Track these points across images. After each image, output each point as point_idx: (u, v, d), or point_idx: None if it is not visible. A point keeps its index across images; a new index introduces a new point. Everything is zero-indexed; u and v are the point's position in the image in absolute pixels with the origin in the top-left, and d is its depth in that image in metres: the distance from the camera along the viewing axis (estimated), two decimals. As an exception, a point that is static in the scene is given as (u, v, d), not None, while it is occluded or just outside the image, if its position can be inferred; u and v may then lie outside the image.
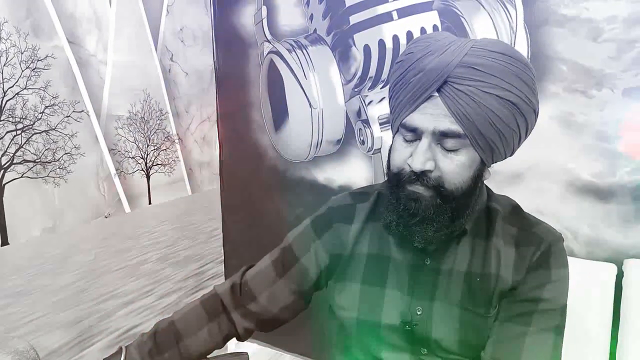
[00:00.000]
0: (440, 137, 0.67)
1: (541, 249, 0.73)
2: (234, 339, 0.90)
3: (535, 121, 0.73)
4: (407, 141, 0.70)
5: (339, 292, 0.84)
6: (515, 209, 0.80)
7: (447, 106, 0.66)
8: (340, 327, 0.86)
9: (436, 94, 0.66)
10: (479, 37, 1.40)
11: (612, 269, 1.19)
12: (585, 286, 1.17)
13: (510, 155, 0.76)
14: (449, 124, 0.66)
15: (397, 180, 0.72)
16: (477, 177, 0.72)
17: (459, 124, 0.66)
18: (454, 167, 0.68)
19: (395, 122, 0.73)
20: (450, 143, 0.67)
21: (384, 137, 1.67)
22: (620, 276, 1.19)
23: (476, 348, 0.74)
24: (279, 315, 0.87)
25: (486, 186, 0.82)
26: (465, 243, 0.76)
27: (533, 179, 1.37)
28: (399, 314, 0.77)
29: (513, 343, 0.70)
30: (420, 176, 0.68)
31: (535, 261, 0.72)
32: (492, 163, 0.74)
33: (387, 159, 0.77)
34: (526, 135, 0.73)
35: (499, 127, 0.67)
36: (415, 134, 0.68)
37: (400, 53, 0.75)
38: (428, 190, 0.69)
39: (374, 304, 0.79)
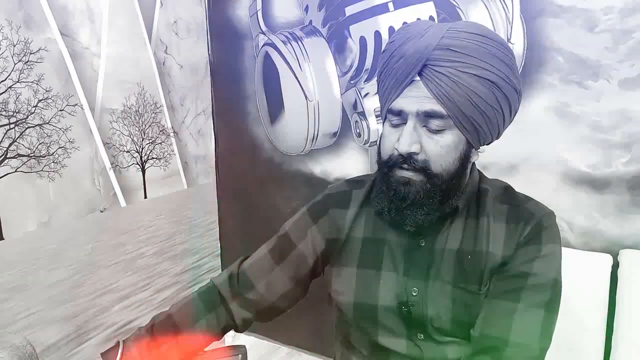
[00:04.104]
0: (425, 118, 0.69)
1: (531, 224, 0.74)
2: (232, 331, 0.90)
3: (520, 100, 0.74)
4: (394, 126, 0.73)
5: (335, 277, 0.84)
6: (507, 189, 0.81)
7: (429, 88, 0.68)
8: (339, 317, 0.86)
9: (418, 77, 0.69)
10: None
11: (608, 259, 1.20)
12: (581, 277, 1.18)
13: (498, 137, 0.77)
14: (431, 105, 0.68)
15: (386, 166, 0.73)
16: (465, 159, 0.73)
17: (442, 105, 0.68)
18: (438, 149, 0.70)
19: (383, 110, 0.75)
20: (434, 123, 0.69)
21: (380, 129, 1.66)
22: (615, 267, 1.19)
23: (471, 328, 0.74)
24: (277, 304, 0.87)
25: (478, 170, 0.82)
26: (457, 223, 0.77)
27: (528, 170, 1.37)
28: (395, 296, 0.77)
29: (502, 319, 0.70)
30: (407, 159, 0.70)
31: (525, 236, 0.73)
32: (480, 145, 0.75)
33: (377, 148, 0.78)
34: (511, 116, 0.75)
35: (481, 107, 0.69)
36: (401, 117, 0.71)
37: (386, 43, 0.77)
38: (417, 174, 0.70)
39: (370, 287, 0.80)
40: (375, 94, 1.65)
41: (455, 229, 0.77)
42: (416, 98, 0.69)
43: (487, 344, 0.70)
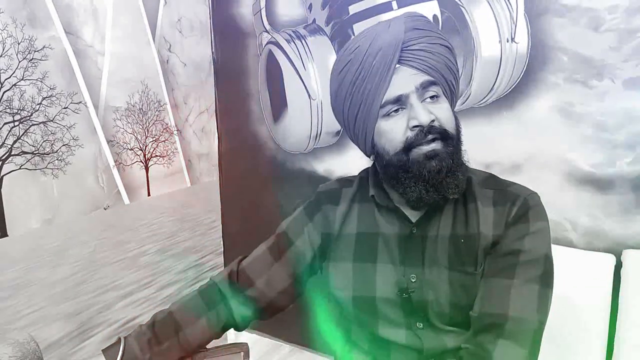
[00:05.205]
0: (423, 90, 0.74)
1: (517, 204, 0.76)
2: (233, 329, 0.90)
3: None
4: (391, 117, 0.75)
5: (333, 274, 0.86)
6: (490, 175, 0.84)
7: (413, 67, 0.74)
8: (339, 314, 0.88)
9: (398, 65, 0.74)
10: (479, 27, 1.40)
11: (611, 259, 1.19)
12: (584, 276, 1.17)
13: (457, 99, 0.84)
14: (422, 77, 0.74)
15: (405, 152, 0.75)
16: (459, 127, 0.79)
17: (429, 75, 0.74)
18: (444, 111, 0.75)
19: (371, 115, 0.76)
20: (431, 91, 0.75)
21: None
22: (618, 267, 1.19)
23: (469, 311, 0.76)
24: (277, 301, 0.89)
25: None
26: (447, 210, 0.80)
27: (532, 169, 1.36)
28: (395, 285, 0.79)
29: (500, 296, 0.72)
30: (428, 132, 0.73)
31: (513, 216, 0.76)
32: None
33: (377, 153, 0.81)
34: None
35: (453, 70, 0.78)
36: (401, 102, 0.74)
37: (339, 60, 0.81)
38: (440, 142, 0.74)
39: (367, 279, 0.82)
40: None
41: (446, 216, 0.80)
42: (406, 78, 0.74)
43: (488, 321, 0.72)
